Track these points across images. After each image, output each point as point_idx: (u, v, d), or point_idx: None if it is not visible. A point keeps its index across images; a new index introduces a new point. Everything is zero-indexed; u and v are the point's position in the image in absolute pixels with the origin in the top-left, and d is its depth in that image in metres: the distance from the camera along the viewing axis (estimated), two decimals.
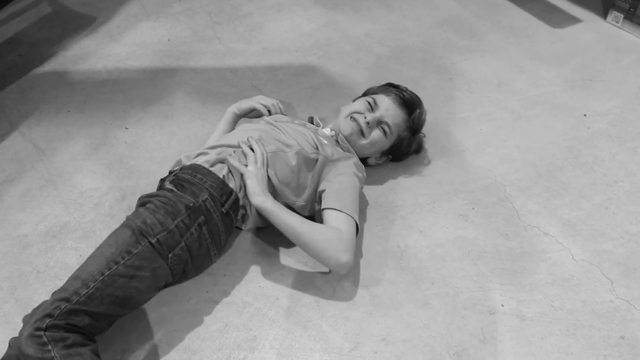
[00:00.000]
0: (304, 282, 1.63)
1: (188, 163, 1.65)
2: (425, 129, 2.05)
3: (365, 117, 1.81)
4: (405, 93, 1.90)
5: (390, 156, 1.95)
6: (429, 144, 2.06)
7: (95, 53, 2.47)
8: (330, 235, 1.54)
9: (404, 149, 1.93)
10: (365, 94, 1.96)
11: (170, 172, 1.65)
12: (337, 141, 1.82)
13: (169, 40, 2.56)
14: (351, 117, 1.83)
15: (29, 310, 1.41)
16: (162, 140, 2.06)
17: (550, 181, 1.94)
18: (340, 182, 1.66)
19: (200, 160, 1.62)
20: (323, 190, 1.66)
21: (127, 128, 2.10)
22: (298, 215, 1.59)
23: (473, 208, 1.85)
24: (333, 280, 1.63)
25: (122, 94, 2.26)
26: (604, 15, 2.79)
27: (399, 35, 2.63)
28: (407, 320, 1.54)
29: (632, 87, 2.35)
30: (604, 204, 1.87)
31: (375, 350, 1.48)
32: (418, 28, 2.68)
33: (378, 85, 2.00)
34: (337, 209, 1.59)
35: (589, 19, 2.79)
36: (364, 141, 1.83)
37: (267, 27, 2.65)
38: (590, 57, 2.52)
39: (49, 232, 1.75)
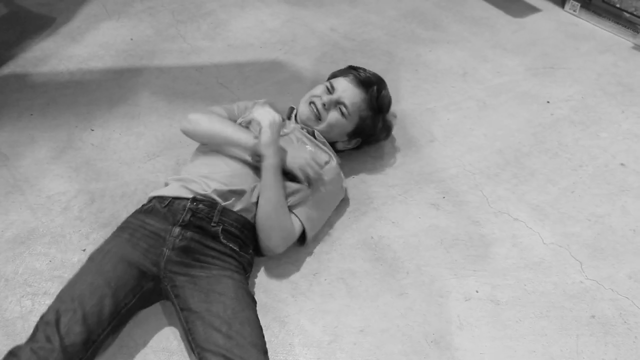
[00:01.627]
0: (279, 277, 1.63)
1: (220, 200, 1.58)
2: (393, 121, 2.07)
3: (322, 99, 1.81)
4: (362, 72, 1.87)
5: (359, 139, 1.91)
6: (397, 135, 2.07)
7: (56, 54, 2.42)
8: (289, 226, 1.60)
9: (369, 129, 1.88)
10: (328, 79, 1.93)
11: (197, 200, 1.56)
12: (313, 136, 1.82)
13: (131, 39, 2.52)
14: (310, 102, 1.83)
15: None
16: (130, 141, 2.03)
17: (517, 167, 1.98)
18: (322, 197, 1.71)
19: (237, 206, 1.59)
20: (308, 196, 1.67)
21: (92, 130, 2.07)
22: (283, 192, 1.61)
23: (444, 197, 1.87)
24: (309, 275, 1.63)
25: (86, 95, 2.22)
26: (562, 4, 2.84)
27: (364, 28, 2.64)
28: (384, 311, 1.56)
29: (591, 73, 2.40)
30: (570, 187, 1.91)
31: (354, 342, 1.49)
32: (382, 21, 2.69)
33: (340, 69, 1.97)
34: (300, 220, 1.65)
35: (547, 8, 2.84)
36: (321, 125, 1.81)
37: (231, 24, 2.64)
38: (551, 45, 2.58)
39: (17, 238, 1.71)
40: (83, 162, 1.95)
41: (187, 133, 1.73)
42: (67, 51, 2.45)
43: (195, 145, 1.78)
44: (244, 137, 1.63)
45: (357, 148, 1.95)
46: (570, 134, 2.11)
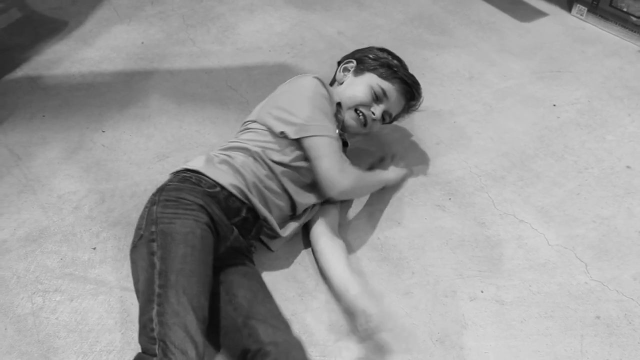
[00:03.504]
0: (286, 276, 1.65)
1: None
2: (399, 124, 2.09)
3: (373, 113, 1.75)
4: (412, 88, 1.81)
5: None
6: (404, 137, 2.09)
7: (68, 57, 2.46)
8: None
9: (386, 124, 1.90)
10: (362, 62, 1.82)
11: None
12: (345, 145, 1.82)
13: (142, 43, 2.56)
14: (356, 110, 1.75)
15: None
16: (140, 142, 2.06)
17: (523, 170, 1.99)
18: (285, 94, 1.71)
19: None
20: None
21: (103, 131, 2.10)
22: None
23: (450, 199, 1.88)
24: (315, 274, 1.65)
25: (98, 97, 2.25)
26: (569, 9, 2.86)
27: (371, 32, 2.66)
28: (389, 310, 1.57)
29: (598, 77, 2.41)
30: (576, 190, 1.92)
31: (361, 341, 1.50)
32: (389, 25, 2.72)
33: (371, 49, 1.88)
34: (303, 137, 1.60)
35: (554, 13, 2.86)
36: (364, 131, 1.80)
37: (240, 28, 2.67)
38: (557, 49, 2.59)
39: (29, 236, 1.74)
40: (94, 162, 1.98)
41: (344, 196, 1.71)
42: (79, 54, 2.48)
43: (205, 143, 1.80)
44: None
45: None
46: (576, 137, 2.12)
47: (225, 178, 1.52)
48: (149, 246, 1.36)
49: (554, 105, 2.27)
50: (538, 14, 2.84)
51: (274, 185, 1.59)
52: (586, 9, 2.76)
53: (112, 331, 1.51)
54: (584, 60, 2.52)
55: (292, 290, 1.61)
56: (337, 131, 1.66)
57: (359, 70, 1.81)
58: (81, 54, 2.49)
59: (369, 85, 1.75)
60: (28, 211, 1.82)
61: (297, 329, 1.52)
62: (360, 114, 1.74)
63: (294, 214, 1.67)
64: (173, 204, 1.44)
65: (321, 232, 1.68)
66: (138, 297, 1.36)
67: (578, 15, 2.80)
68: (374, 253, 1.72)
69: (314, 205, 1.70)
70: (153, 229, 1.39)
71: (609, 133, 2.14)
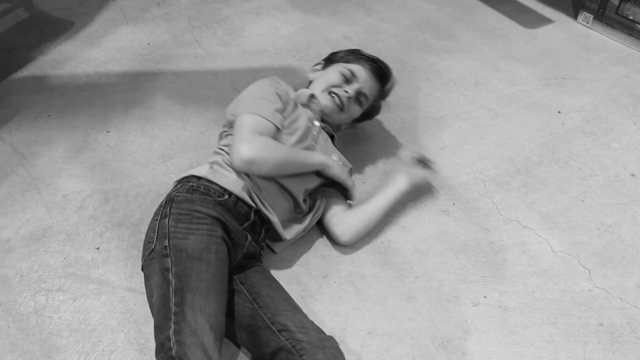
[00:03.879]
0: (289, 279, 1.64)
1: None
2: (404, 127, 2.10)
3: (347, 92, 1.79)
4: (379, 63, 1.89)
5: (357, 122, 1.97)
6: (408, 142, 2.10)
7: (74, 58, 2.47)
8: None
9: (371, 115, 1.97)
10: (331, 60, 1.92)
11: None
12: (332, 138, 1.86)
13: (148, 44, 2.56)
14: (329, 92, 1.79)
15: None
16: (144, 143, 2.06)
17: (527, 176, 1.99)
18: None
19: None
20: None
21: (108, 131, 2.10)
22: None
23: (454, 203, 1.88)
24: (319, 277, 1.65)
25: (103, 97, 2.26)
26: (575, 16, 2.86)
27: (377, 37, 2.67)
28: (392, 314, 1.57)
29: (603, 84, 2.41)
30: (580, 197, 1.92)
31: (362, 344, 1.50)
32: (395, 30, 2.72)
33: (340, 50, 1.97)
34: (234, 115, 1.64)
35: (560, 20, 2.86)
36: (342, 115, 1.82)
37: (246, 31, 2.67)
38: (563, 56, 2.59)
39: (32, 235, 1.74)
40: (98, 162, 1.98)
41: (251, 168, 1.55)
42: (84, 54, 2.49)
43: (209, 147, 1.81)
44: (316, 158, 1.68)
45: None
46: (581, 144, 2.12)
47: (231, 184, 1.53)
48: (163, 262, 1.35)
49: (559, 112, 2.26)
50: (544, 21, 2.84)
51: (264, 181, 1.59)
52: (592, 16, 2.76)
53: (115, 331, 1.50)
54: (590, 67, 2.52)
55: (294, 292, 1.61)
56: (317, 124, 1.76)
57: (327, 65, 1.92)
58: (87, 54, 2.50)
59: (338, 70, 1.84)
60: (32, 210, 1.82)
61: None
62: (334, 95, 1.79)
63: (297, 206, 1.66)
64: (186, 217, 1.43)
65: (334, 221, 1.73)
66: (152, 312, 1.35)
67: (584, 23, 2.80)
68: (377, 257, 1.71)
69: (316, 202, 1.72)
70: (165, 243, 1.38)
71: (614, 141, 2.14)
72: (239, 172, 1.56)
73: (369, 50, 2.54)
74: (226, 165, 1.58)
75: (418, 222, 1.82)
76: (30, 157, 2.00)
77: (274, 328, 1.37)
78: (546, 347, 1.51)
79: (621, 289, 1.65)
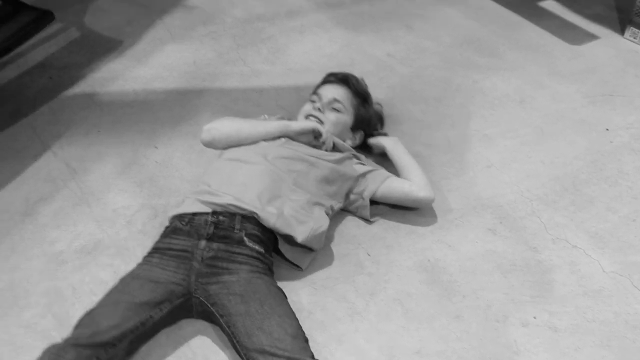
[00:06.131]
0: (336, 297, 1.65)
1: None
2: (450, 145, 2.09)
3: (315, 107, 1.95)
4: (336, 73, 2.06)
5: (362, 132, 2.04)
6: (453, 160, 2.09)
7: (122, 75, 2.53)
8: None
9: (365, 118, 2.03)
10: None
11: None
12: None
13: (194, 62, 2.61)
14: (306, 117, 1.94)
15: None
16: (192, 159, 2.10)
17: (575, 195, 1.96)
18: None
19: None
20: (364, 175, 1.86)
21: (156, 147, 2.14)
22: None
23: (501, 222, 1.86)
24: (366, 295, 1.65)
25: (151, 114, 2.30)
26: (621, 32, 2.82)
27: (420, 54, 2.67)
28: (440, 333, 1.56)
29: None
30: (631, 216, 1.88)
31: None
32: (438, 47, 2.72)
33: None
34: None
35: (606, 36, 2.82)
36: (325, 128, 1.89)
37: (290, 49, 2.70)
38: (610, 72, 2.55)
39: (84, 249, 1.78)
40: (147, 178, 2.02)
41: (212, 142, 1.84)
42: (133, 72, 2.55)
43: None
44: (274, 124, 1.85)
45: (363, 144, 2.07)
46: (630, 162, 2.08)
47: (184, 208, 1.70)
48: None
49: (607, 129, 2.23)
50: (589, 37, 2.80)
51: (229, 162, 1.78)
52: (639, 31, 2.72)
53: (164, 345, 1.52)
54: (638, 84, 2.47)
55: (341, 310, 1.61)
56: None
57: None
58: (135, 72, 2.56)
59: (308, 101, 2.02)
60: (83, 224, 1.86)
61: (347, 349, 1.52)
62: (309, 116, 1.94)
63: (281, 194, 1.69)
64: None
65: (412, 190, 1.85)
66: None
67: (631, 39, 2.76)
68: (424, 275, 1.70)
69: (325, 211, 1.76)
70: None
71: None
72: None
73: (412, 68, 2.57)
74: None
75: (464, 240, 1.81)
76: (81, 172, 2.05)
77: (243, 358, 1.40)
78: None
79: None
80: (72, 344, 1.35)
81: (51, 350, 1.34)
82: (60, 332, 1.53)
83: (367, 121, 2.04)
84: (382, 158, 2.05)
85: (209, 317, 1.53)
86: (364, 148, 2.08)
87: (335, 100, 1.95)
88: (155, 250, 1.61)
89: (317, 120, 1.92)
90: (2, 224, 1.87)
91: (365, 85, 2.06)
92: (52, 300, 1.64)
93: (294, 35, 2.80)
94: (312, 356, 1.37)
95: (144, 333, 1.47)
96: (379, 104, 2.12)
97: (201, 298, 1.51)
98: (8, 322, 1.59)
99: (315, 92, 2.01)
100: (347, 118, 1.97)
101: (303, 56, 2.65)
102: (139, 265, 1.59)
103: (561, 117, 2.29)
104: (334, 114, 1.94)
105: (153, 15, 2.94)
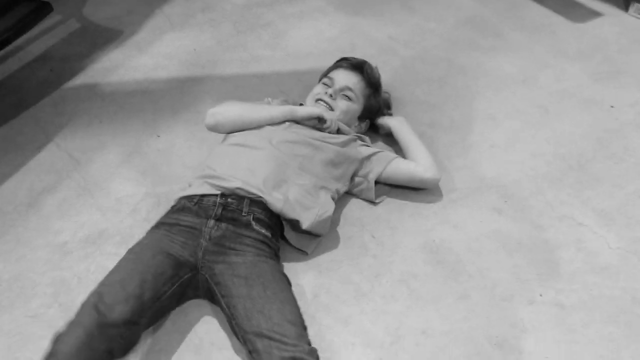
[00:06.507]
0: (341, 279, 1.64)
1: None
2: (454, 126, 2.08)
3: (326, 92, 1.92)
4: (350, 59, 2.04)
5: (368, 120, 2.05)
6: (457, 140, 2.07)
7: (123, 65, 2.52)
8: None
9: (374, 107, 2.03)
10: (320, 79, 2.06)
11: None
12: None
13: (194, 50, 2.60)
14: (316, 100, 1.93)
15: (71, 315, 1.44)
16: (193, 146, 2.09)
17: (581, 173, 1.94)
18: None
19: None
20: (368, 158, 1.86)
21: (158, 136, 2.14)
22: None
23: (506, 202, 1.85)
24: (371, 277, 1.64)
25: (152, 103, 2.30)
26: (625, 8, 2.78)
27: (423, 36, 2.64)
28: (446, 313, 1.55)
29: None
30: (638, 192, 1.86)
31: (417, 343, 1.48)
32: (441, 29, 2.69)
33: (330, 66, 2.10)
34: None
35: (610, 13, 2.78)
36: (340, 115, 1.91)
37: (290, 34, 2.69)
38: (615, 50, 2.52)
39: (88, 238, 1.79)
40: (149, 166, 2.02)
41: (216, 126, 1.83)
42: (133, 62, 2.54)
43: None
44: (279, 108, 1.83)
45: (368, 130, 2.08)
46: (636, 139, 2.06)
47: (192, 190, 1.70)
48: None
49: (612, 106, 2.20)
50: (593, 14, 2.77)
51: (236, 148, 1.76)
52: None
53: (170, 332, 1.52)
54: None
55: (347, 292, 1.60)
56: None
57: None
58: (135, 61, 2.55)
59: (320, 82, 2.01)
60: (87, 214, 1.86)
61: (352, 330, 1.51)
62: (320, 100, 1.92)
63: (287, 178, 1.68)
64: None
65: (418, 170, 1.85)
66: None
67: (636, 15, 2.72)
68: (429, 256, 1.70)
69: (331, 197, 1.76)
70: None
71: None
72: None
73: (415, 50, 2.54)
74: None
75: (470, 220, 1.80)
76: (84, 162, 2.05)
77: (246, 347, 1.38)
78: (607, 345, 1.46)
79: None
80: (106, 322, 1.33)
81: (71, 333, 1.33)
82: (65, 320, 1.53)
83: (375, 111, 2.04)
84: (389, 138, 2.04)
85: (212, 296, 1.53)
86: (371, 128, 2.07)
87: (348, 88, 1.93)
88: (162, 223, 1.61)
89: (328, 106, 1.90)
90: (6, 216, 1.87)
91: (379, 74, 2.04)
92: (58, 290, 1.65)
93: (293, 21, 2.78)
94: (309, 343, 1.37)
95: (159, 309, 1.46)
96: (387, 92, 2.11)
97: (207, 276, 1.51)
98: (15, 312, 1.60)
99: (327, 75, 2.00)
100: (357, 107, 1.96)
101: (303, 41, 2.64)
102: (146, 236, 1.59)
103: (566, 96, 2.27)
104: (344, 102, 1.93)
105: (152, 4, 2.93)
